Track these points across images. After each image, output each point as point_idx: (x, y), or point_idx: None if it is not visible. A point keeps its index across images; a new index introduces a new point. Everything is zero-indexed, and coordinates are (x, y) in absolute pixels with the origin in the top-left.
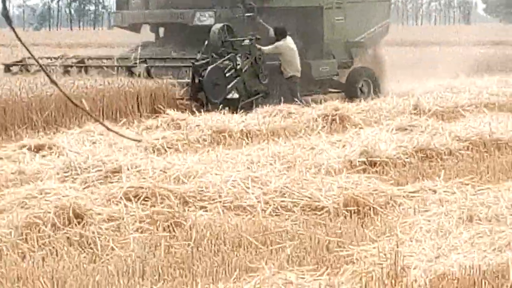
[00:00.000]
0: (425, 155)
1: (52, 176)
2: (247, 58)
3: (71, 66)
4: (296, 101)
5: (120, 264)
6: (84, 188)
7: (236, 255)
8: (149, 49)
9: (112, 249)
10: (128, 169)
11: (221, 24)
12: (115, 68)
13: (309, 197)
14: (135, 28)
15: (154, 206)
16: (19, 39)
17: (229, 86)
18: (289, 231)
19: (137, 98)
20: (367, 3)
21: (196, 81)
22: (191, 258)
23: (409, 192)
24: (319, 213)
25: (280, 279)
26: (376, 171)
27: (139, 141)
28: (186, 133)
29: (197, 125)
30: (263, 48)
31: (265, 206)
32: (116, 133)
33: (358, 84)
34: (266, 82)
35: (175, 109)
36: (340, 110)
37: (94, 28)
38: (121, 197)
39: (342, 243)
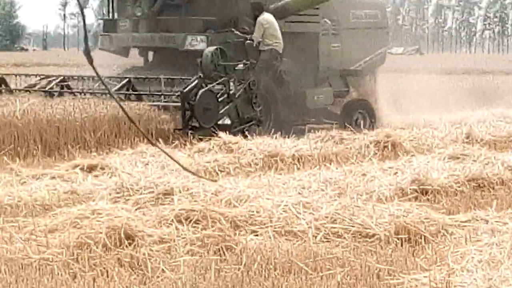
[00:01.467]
0: (477, 185)
1: (104, 196)
2: (241, 83)
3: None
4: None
5: (170, 286)
6: (136, 209)
7: (286, 281)
8: (136, 73)
9: (163, 271)
10: (180, 192)
11: (214, 47)
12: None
13: (360, 224)
14: (123, 51)
15: (205, 229)
16: (99, 77)
17: (221, 111)
18: (340, 258)
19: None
20: (364, 30)
21: (186, 106)
22: (241, 282)
23: (461, 222)
24: (369, 240)
25: None
26: (428, 199)
27: (215, 181)
28: (238, 157)
29: (249, 149)
30: (253, 36)
31: (315, 232)
32: (192, 172)
33: (354, 116)
34: (259, 109)
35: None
36: (392, 137)
37: None
38: (172, 219)
39: (393, 271)
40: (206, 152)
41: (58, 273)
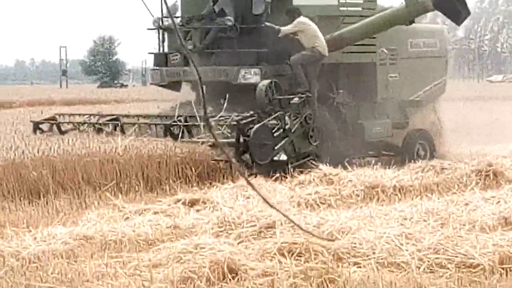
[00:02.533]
0: None
1: (207, 230)
2: (297, 117)
3: (106, 124)
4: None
5: None
6: (238, 243)
7: None
8: (190, 108)
9: None
10: (281, 225)
11: (268, 81)
12: (153, 126)
13: (464, 254)
14: (174, 86)
15: (308, 261)
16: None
17: (277, 147)
18: None
19: None
20: (422, 59)
21: (241, 140)
22: None
23: None
24: (474, 270)
25: None
26: None
27: (333, 240)
28: (339, 189)
29: (349, 180)
30: (283, 28)
31: (419, 263)
32: (305, 231)
33: (415, 147)
34: (316, 143)
35: None
36: (494, 166)
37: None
38: (275, 253)
39: None
40: (306, 184)
41: None
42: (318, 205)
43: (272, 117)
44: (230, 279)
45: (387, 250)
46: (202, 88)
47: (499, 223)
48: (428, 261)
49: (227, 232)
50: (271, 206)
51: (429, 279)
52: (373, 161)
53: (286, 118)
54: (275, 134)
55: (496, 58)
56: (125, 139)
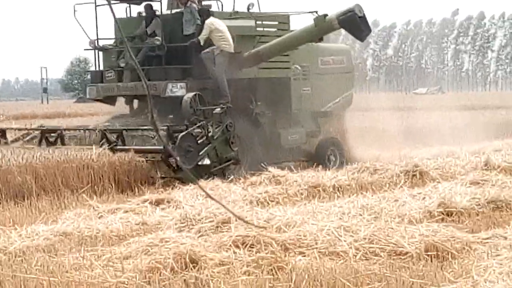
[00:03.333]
0: (496, 206)
1: (171, 226)
2: (218, 126)
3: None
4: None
5: None
6: (199, 236)
7: None
8: (123, 120)
9: None
10: (236, 220)
11: (193, 93)
12: (92, 135)
13: (394, 244)
14: (110, 100)
15: (259, 252)
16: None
17: (201, 152)
18: (377, 274)
19: None
20: (331, 75)
21: (171, 145)
22: None
23: (483, 239)
24: (403, 257)
25: None
26: (453, 220)
27: (264, 228)
28: (286, 188)
29: (294, 181)
30: (200, 36)
31: (355, 251)
32: (240, 218)
33: (327, 153)
34: (236, 149)
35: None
36: (420, 167)
37: None
38: (230, 244)
39: (424, 284)
40: (257, 184)
41: None
42: (268, 202)
43: (196, 125)
44: (191, 268)
45: (328, 241)
46: (149, 95)
47: (424, 216)
48: (364, 250)
49: (188, 227)
50: (212, 199)
51: (364, 265)
52: (315, 164)
53: (209, 126)
54: (199, 141)
55: (421, 73)
56: (99, 148)
